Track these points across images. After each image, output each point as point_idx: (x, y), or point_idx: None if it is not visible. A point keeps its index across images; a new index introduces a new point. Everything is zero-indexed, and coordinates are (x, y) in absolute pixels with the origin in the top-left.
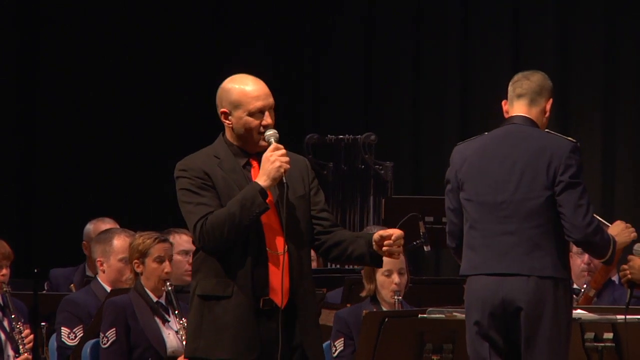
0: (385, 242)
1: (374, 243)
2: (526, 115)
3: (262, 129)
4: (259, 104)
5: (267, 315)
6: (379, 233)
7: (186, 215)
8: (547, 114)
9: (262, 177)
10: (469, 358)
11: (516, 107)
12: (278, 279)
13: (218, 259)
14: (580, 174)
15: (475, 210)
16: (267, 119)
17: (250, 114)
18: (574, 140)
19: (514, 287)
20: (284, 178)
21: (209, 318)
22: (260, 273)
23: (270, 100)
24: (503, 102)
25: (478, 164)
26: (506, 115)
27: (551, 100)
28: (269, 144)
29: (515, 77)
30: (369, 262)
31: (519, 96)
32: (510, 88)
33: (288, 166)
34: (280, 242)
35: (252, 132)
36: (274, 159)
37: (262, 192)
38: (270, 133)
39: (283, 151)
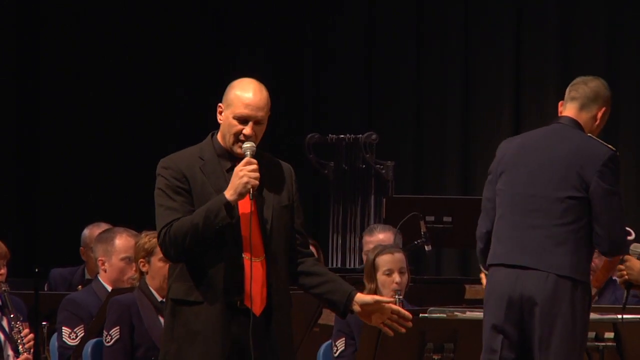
0: (400, 321)
1: (358, 305)
2: (574, 118)
3: (241, 137)
4: (245, 111)
5: (240, 321)
6: (383, 304)
7: (156, 217)
8: (598, 122)
9: (229, 190)
10: (476, 354)
11: (567, 109)
12: (255, 285)
13: (192, 263)
14: (617, 184)
15: (506, 200)
16: (248, 130)
17: (235, 117)
18: (614, 149)
19: (532, 283)
20: (250, 194)
21: (180, 323)
22: (235, 279)
23: (259, 114)
24: (560, 103)
25: (516, 157)
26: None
27: (604, 109)
28: (245, 156)
29: (575, 81)
30: (340, 312)
31: (572, 99)
32: (567, 90)
33: (256, 182)
34: (259, 249)
35: (231, 135)
36: (242, 174)
37: (227, 205)
38: (247, 146)
39: (254, 167)
